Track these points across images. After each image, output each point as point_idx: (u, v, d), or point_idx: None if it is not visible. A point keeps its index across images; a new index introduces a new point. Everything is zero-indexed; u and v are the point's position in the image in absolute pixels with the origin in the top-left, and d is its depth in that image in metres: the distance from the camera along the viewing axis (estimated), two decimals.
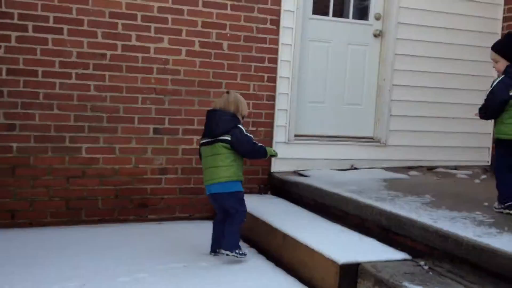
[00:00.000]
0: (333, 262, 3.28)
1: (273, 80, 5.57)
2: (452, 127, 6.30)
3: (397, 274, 3.03)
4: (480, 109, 4.03)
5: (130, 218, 5.16)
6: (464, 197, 4.39)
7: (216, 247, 4.07)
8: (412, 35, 6.05)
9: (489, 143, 6.54)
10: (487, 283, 2.88)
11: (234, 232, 3.93)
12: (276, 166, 5.64)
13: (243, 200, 4.01)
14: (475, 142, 6.50)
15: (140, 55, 5.08)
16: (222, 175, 3.89)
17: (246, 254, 3.96)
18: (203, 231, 4.72)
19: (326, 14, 5.90)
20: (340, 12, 6.11)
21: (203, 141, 4.05)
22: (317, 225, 4.13)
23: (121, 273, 3.63)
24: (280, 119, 5.61)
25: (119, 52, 5.00)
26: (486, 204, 4.06)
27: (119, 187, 5.11)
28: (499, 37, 6.39)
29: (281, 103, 5.59)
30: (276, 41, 5.54)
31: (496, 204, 3.94)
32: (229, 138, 3.90)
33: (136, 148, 5.15)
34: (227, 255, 3.91)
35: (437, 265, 3.19)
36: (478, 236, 3.10)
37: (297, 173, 5.59)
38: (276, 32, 5.53)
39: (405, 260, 3.33)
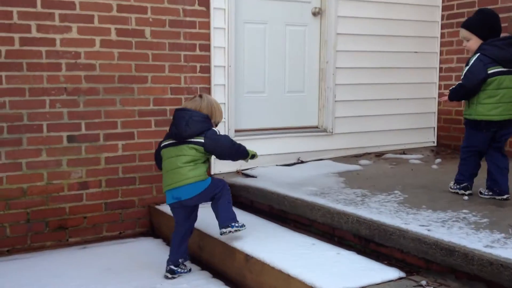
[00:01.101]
0: None
1: (206, 70, 4.83)
2: (397, 108, 5.90)
3: None
4: (454, 90, 3.78)
5: (47, 244, 4.29)
6: (435, 190, 3.93)
7: (174, 261, 3.52)
8: (354, 11, 5.52)
9: (434, 122, 6.22)
10: None
11: (227, 207, 3.43)
12: (217, 167, 4.94)
13: (218, 182, 3.51)
14: (420, 123, 6.15)
15: (43, 49, 4.16)
16: (189, 175, 3.37)
17: (245, 226, 3.41)
18: (141, 251, 4.01)
19: None
20: None
21: (166, 143, 3.51)
22: (281, 238, 3.48)
23: None
24: None
25: (16, 47, 4.06)
26: (465, 198, 3.61)
27: (31, 209, 4.22)
28: (439, 9, 6.08)
29: (217, 96, 4.86)
30: (207, 25, 4.80)
31: (451, 184, 3.88)
32: (201, 141, 3.39)
33: (48, 161, 4.25)
34: (229, 232, 3.36)
35: (442, 283, 2.65)
36: (489, 247, 2.59)
37: (241, 173, 4.93)
38: (207, 14, 4.79)
39: (400, 278, 2.77)
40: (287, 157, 5.29)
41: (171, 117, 3.77)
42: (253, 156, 3.63)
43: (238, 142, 3.62)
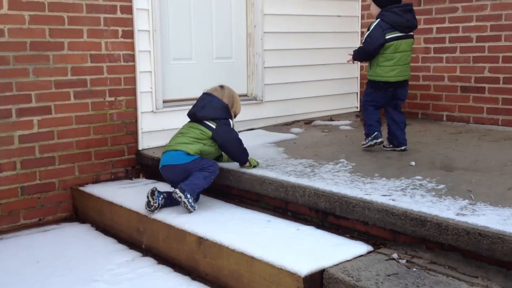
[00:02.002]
0: (290, 274, 2.46)
1: (129, 35, 4.39)
2: (323, 74, 5.81)
3: (380, 279, 2.34)
4: (356, 51, 4.02)
5: None
6: (378, 157, 3.87)
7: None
8: None
9: (356, 88, 6.23)
10: (493, 274, 2.34)
11: (197, 180, 3.36)
12: (145, 142, 4.57)
13: (208, 161, 3.49)
14: (344, 89, 6.13)
15: None
16: (188, 147, 3.43)
17: (195, 209, 3.33)
18: (69, 239, 3.64)
19: None
20: None
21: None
22: (231, 216, 3.25)
23: None
24: (143, 84, 4.50)
25: None
26: (412, 163, 3.58)
27: None
28: None
29: (143, 63, 4.47)
30: None
31: (363, 141, 4.07)
32: (212, 126, 3.49)
33: None
34: (178, 197, 3.26)
35: (414, 255, 2.57)
36: (461, 215, 2.53)
37: None
38: None
39: (369, 252, 2.65)
40: None
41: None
42: (254, 166, 3.63)
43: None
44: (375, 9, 3.95)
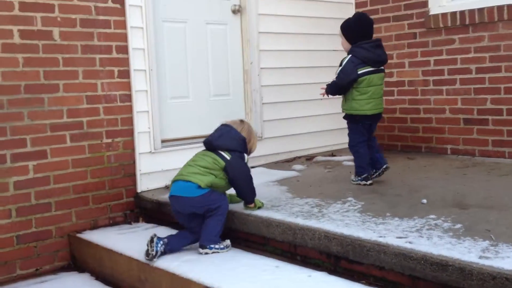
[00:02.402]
0: None
1: (126, 75, 4.30)
2: (322, 109, 5.71)
3: None
4: (330, 86, 4.09)
5: None
6: (387, 194, 3.74)
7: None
8: (275, 9, 5.26)
9: None
10: None
11: (214, 226, 3.29)
12: (144, 184, 4.43)
13: (218, 197, 3.38)
14: (344, 123, 5.97)
15: None
16: (194, 176, 3.31)
17: (228, 247, 3.32)
18: None
19: None
20: None
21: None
22: (238, 262, 3.08)
23: None
24: (141, 124, 4.39)
25: None
26: (424, 201, 3.45)
27: None
28: (353, 6, 5.99)
29: (139, 103, 4.37)
30: (123, 24, 4.27)
31: (352, 177, 4.15)
32: (227, 157, 3.39)
33: None
34: (205, 253, 3.23)
35: None
36: (485, 258, 2.40)
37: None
38: (122, 12, 4.26)
39: None
40: None
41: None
42: (259, 208, 3.53)
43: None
44: (346, 45, 4.09)
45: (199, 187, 3.27)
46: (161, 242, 3.24)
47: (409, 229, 2.89)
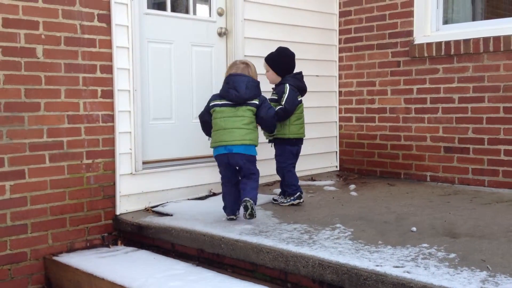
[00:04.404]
0: None
1: (109, 94, 4.21)
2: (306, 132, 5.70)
3: None
4: (278, 113, 4.18)
5: None
6: (375, 221, 3.71)
7: (237, 208, 3.89)
8: (260, 33, 5.26)
9: (336, 147, 6.17)
10: None
11: (255, 188, 3.84)
12: (123, 206, 4.30)
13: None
14: (323, 148, 6.06)
15: None
16: (247, 137, 3.82)
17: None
18: None
19: (164, 8, 4.73)
20: (179, 6, 4.99)
21: (220, 102, 3.91)
22: None
23: None
24: (123, 145, 4.28)
25: None
26: (413, 229, 3.44)
27: None
28: (336, 33, 6.05)
29: (122, 124, 4.27)
30: (108, 44, 4.19)
31: (282, 199, 4.40)
32: (256, 102, 3.90)
33: None
34: (250, 205, 3.63)
35: None
36: None
37: (151, 210, 4.34)
38: (108, 31, 4.18)
39: None
40: (199, 190, 4.82)
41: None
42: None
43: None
44: (272, 75, 4.40)
45: (254, 145, 3.87)
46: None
47: (404, 258, 2.86)
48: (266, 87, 4.46)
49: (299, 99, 4.35)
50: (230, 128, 3.80)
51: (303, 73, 4.49)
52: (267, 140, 4.46)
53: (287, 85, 4.28)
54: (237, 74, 3.91)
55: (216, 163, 4.79)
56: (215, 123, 3.90)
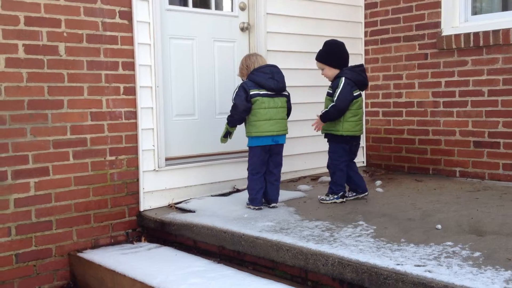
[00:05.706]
0: None
1: (132, 91, 4.23)
2: None
3: None
4: (329, 112, 4.11)
5: None
6: (399, 218, 3.63)
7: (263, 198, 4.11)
8: (284, 27, 5.21)
9: (363, 142, 6.05)
10: None
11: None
12: (147, 203, 4.33)
13: None
14: None
15: None
16: (287, 128, 4.11)
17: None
18: None
19: (185, 4, 4.72)
20: (201, 1, 4.97)
21: (262, 92, 3.97)
22: (248, 287, 2.97)
23: None
24: (145, 142, 4.30)
25: None
26: (438, 226, 3.34)
27: None
28: (362, 25, 5.93)
29: (145, 120, 4.29)
30: (130, 40, 4.21)
31: (324, 197, 4.24)
32: (287, 93, 4.13)
33: None
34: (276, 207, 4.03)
35: None
36: None
37: (174, 207, 4.35)
38: (129, 28, 4.20)
39: None
40: (222, 186, 4.81)
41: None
42: None
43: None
44: (330, 71, 4.20)
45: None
46: None
47: (426, 256, 2.78)
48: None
49: (355, 94, 4.10)
50: (275, 119, 3.97)
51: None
52: (323, 135, 4.32)
53: (343, 78, 4.07)
54: (272, 65, 4.05)
55: (239, 159, 4.84)
56: (257, 113, 3.95)
